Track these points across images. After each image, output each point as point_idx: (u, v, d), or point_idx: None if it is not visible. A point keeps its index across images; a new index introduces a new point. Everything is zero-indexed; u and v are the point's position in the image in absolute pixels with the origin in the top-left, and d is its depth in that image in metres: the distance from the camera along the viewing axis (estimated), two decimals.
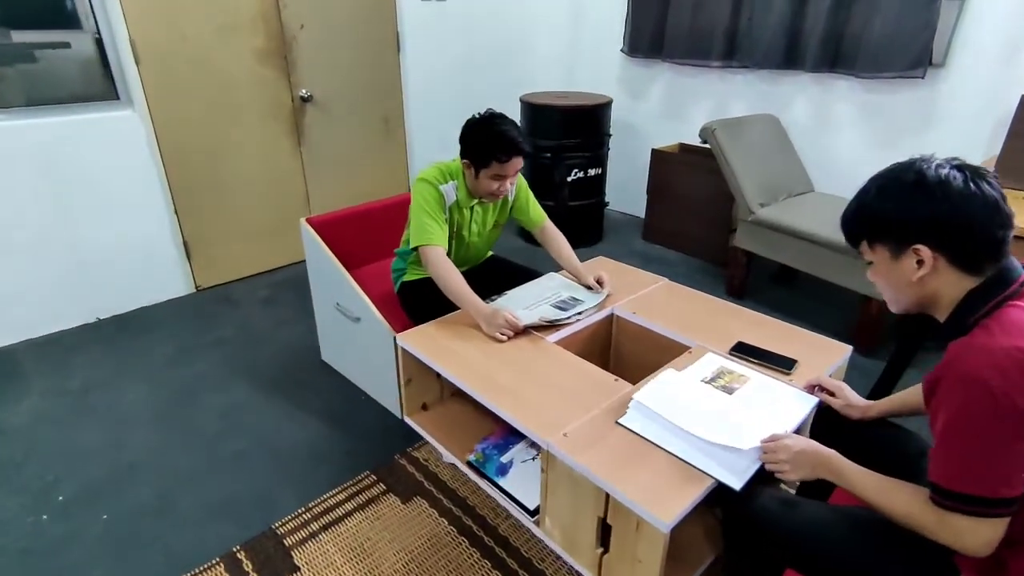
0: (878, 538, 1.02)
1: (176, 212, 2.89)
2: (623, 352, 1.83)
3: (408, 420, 1.76)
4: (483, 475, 1.48)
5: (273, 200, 3.21)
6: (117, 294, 2.83)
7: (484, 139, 1.71)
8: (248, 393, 2.30)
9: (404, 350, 1.65)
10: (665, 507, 1.08)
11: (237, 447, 2.02)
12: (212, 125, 2.88)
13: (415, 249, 1.80)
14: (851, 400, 1.32)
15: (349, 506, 1.76)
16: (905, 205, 0.95)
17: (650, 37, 3.56)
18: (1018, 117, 1.80)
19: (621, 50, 3.76)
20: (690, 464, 1.17)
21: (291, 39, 3.00)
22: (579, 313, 1.72)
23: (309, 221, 2.23)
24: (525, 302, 1.78)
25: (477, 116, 1.77)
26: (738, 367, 1.47)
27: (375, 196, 3.62)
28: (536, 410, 1.35)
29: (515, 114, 3.85)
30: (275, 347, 2.60)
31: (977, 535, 0.89)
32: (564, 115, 3.30)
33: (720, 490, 1.13)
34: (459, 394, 1.83)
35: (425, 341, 1.63)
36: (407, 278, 2.01)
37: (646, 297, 1.86)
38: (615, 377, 1.46)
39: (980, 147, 2.46)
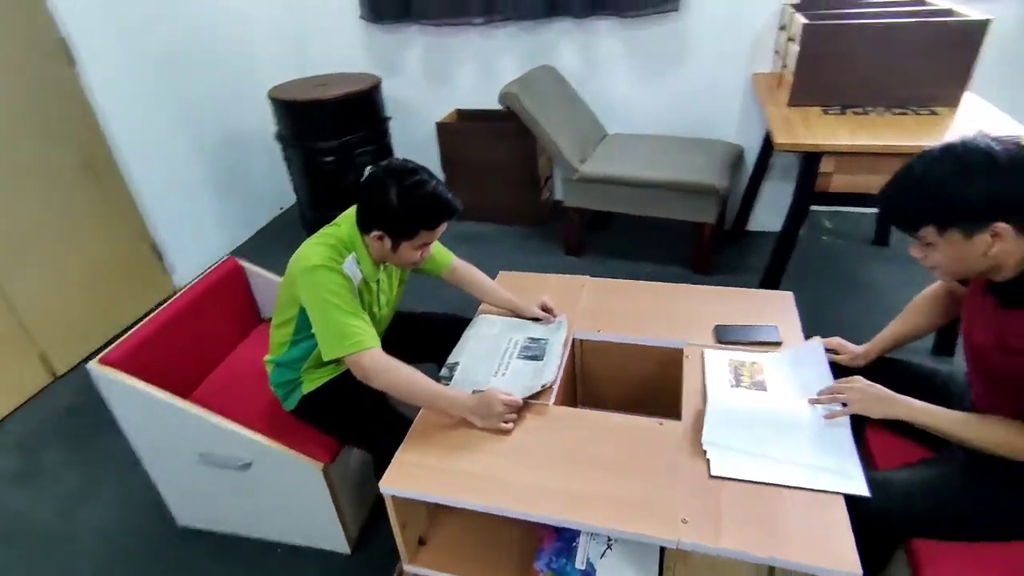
0: (989, 480, 1.11)
1: None
2: (594, 377, 1.67)
3: (413, 569, 1.36)
4: None
5: None
6: None
7: (411, 207, 1.30)
8: None
9: (395, 497, 1.23)
10: (838, 554, 1.00)
11: None
12: None
13: (334, 361, 1.33)
14: (854, 351, 1.41)
15: None
16: (986, 187, 0.95)
17: (395, 1, 3.15)
18: (805, 43, 2.05)
19: (361, 17, 3.28)
20: (812, 489, 1.11)
21: None
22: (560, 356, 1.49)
23: (104, 361, 1.49)
24: (489, 367, 1.47)
25: (382, 172, 1.32)
26: (744, 355, 1.45)
27: (107, 276, 2.66)
28: (617, 502, 1.13)
29: (265, 115, 3.18)
30: (89, 543, 1.78)
31: None
32: (338, 107, 2.78)
33: None
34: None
35: (416, 476, 1.22)
36: (308, 388, 1.50)
37: (590, 307, 1.70)
38: (659, 420, 1.30)
39: (741, 68, 2.79)
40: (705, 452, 1.19)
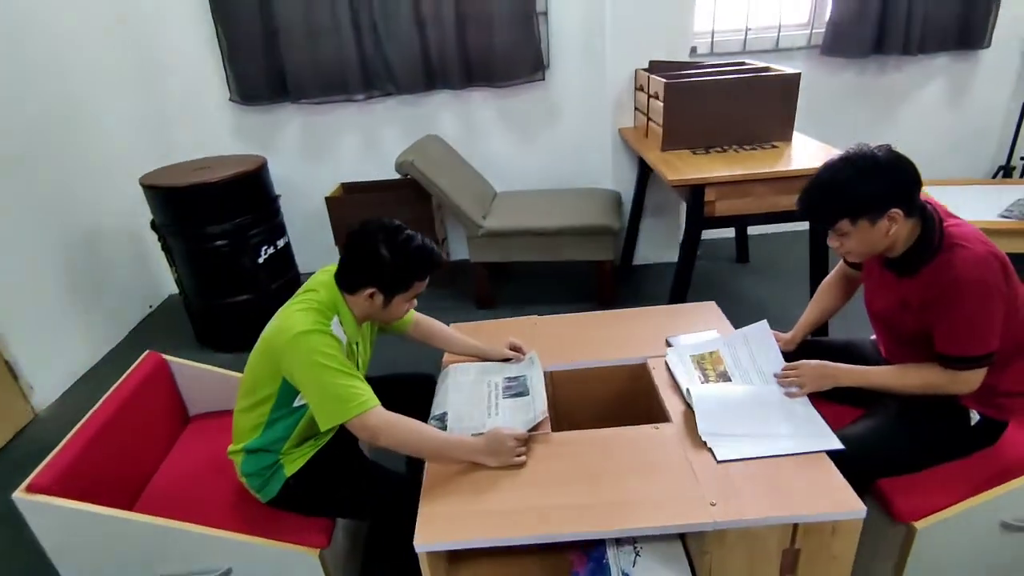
0: (917, 418, 1.36)
1: None
2: (566, 406, 1.73)
3: None
4: None
5: None
6: None
7: (405, 261, 1.32)
8: None
9: (429, 554, 1.18)
10: (846, 499, 1.17)
11: None
12: None
13: (312, 436, 1.28)
14: (784, 338, 1.65)
15: None
16: (880, 184, 1.23)
17: (266, 80, 3.13)
18: (668, 99, 2.43)
19: (231, 99, 3.20)
20: (800, 453, 1.28)
21: None
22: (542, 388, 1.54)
23: (33, 488, 1.26)
24: (480, 411, 1.48)
25: (371, 231, 1.32)
26: (701, 348, 1.63)
27: None
28: (648, 503, 1.20)
29: (126, 209, 2.95)
30: None
31: (977, 379, 1.28)
32: (227, 189, 2.65)
33: None
34: (461, 555, 1.43)
35: (448, 527, 1.19)
36: (291, 470, 1.39)
37: (548, 342, 1.78)
38: (654, 426, 1.41)
39: (607, 125, 3.15)
40: (705, 443, 1.32)
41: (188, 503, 1.47)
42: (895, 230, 1.26)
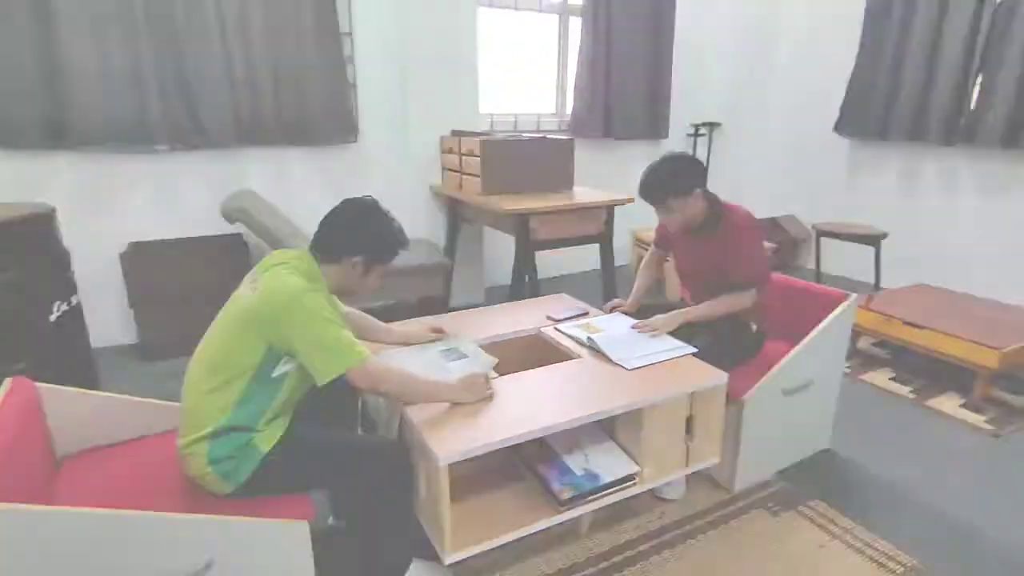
0: (724, 335, 2.01)
1: None
2: None
3: (457, 557, 1.38)
4: (586, 496, 1.52)
5: None
6: None
7: (390, 235, 1.48)
8: None
9: (447, 469, 1.31)
10: (716, 375, 1.70)
11: None
12: None
13: (335, 379, 1.32)
14: (628, 303, 2.20)
15: None
16: (687, 172, 1.89)
17: (39, 123, 2.75)
18: (485, 154, 2.97)
19: None
20: (674, 357, 1.79)
21: None
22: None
23: None
24: (434, 374, 1.64)
25: (362, 204, 1.47)
26: (588, 320, 2.07)
27: None
28: (597, 401, 1.55)
29: None
30: None
31: (754, 295, 2.00)
32: (15, 231, 2.23)
33: None
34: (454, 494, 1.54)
35: (459, 440, 1.36)
36: (267, 445, 1.35)
37: (456, 328, 2.01)
38: (573, 361, 1.78)
39: (419, 181, 3.56)
40: (616, 363, 1.74)
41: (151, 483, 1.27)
42: (699, 205, 1.93)
